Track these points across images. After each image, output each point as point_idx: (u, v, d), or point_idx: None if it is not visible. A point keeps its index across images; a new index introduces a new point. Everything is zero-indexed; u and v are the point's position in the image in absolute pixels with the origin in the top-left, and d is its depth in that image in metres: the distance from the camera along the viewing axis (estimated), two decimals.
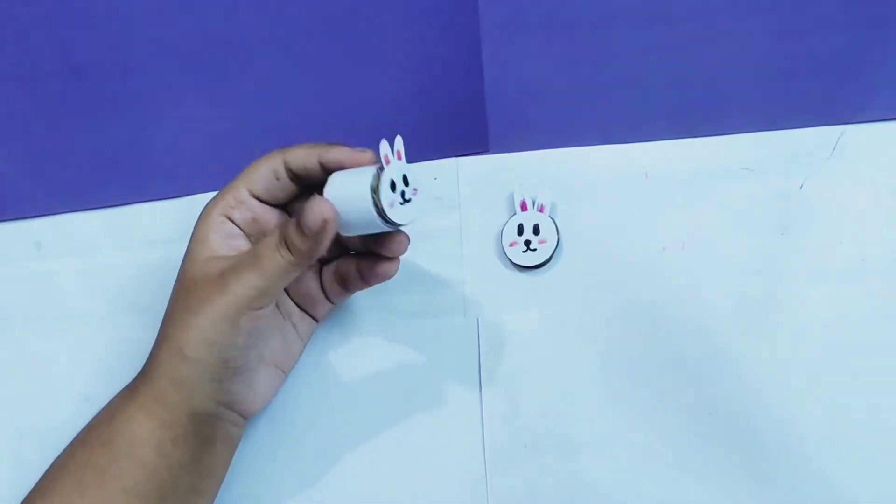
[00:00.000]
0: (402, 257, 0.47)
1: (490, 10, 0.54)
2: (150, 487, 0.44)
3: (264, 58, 0.55)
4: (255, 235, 0.46)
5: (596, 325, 0.51)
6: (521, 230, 0.52)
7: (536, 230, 0.52)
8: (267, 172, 0.46)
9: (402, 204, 0.43)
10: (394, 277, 0.47)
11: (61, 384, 0.54)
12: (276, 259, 0.42)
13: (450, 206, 0.54)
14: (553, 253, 0.52)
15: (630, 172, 0.53)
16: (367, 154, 0.44)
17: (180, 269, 0.46)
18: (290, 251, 0.42)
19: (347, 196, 0.43)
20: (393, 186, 0.43)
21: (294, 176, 0.46)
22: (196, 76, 0.55)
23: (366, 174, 0.42)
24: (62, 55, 0.56)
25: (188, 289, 0.44)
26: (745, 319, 0.51)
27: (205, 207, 0.46)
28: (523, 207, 0.52)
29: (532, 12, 0.54)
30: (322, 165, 0.44)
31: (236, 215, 0.46)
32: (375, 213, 0.42)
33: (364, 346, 0.53)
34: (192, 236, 0.46)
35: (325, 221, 0.41)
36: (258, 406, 0.48)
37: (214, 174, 0.55)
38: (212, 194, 0.55)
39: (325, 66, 0.55)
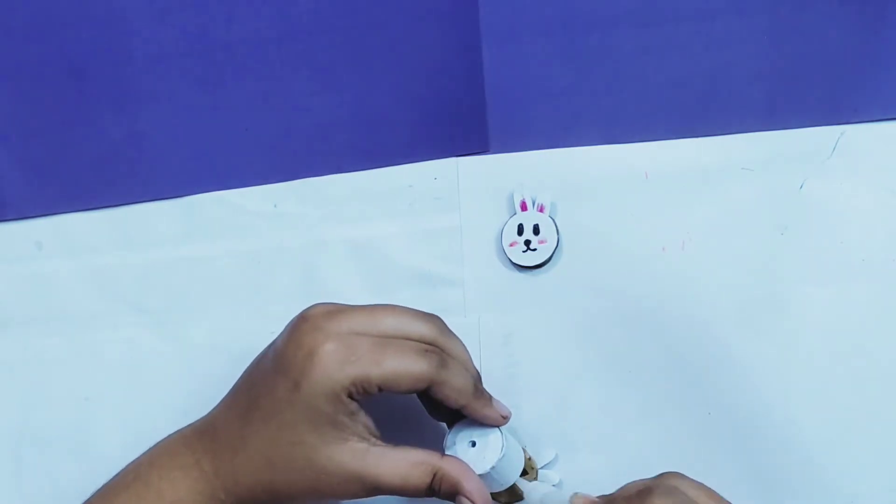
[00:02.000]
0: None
1: (490, 10, 0.54)
2: None
3: (264, 58, 0.55)
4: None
5: (596, 324, 0.51)
6: (521, 230, 0.52)
7: (536, 230, 0.52)
8: (407, 387, 0.44)
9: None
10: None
11: (61, 384, 0.54)
12: (418, 481, 0.44)
13: (450, 206, 0.54)
14: (553, 253, 0.52)
15: (630, 172, 0.53)
16: (507, 417, 0.46)
17: (294, 429, 0.44)
18: (430, 488, 0.44)
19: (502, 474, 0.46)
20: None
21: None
22: (196, 76, 0.55)
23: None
24: (62, 55, 0.55)
25: (315, 469, 0.43)
26: (745, 319, 0.51)
27: (327, 370, 0.43)
28: (523, 207, 0.52)
29: (532, 12, 0.54)
30: (465, 411, 0.45)
31: (356, 396, 0.43)
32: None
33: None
34: (310, 404, 0.43)
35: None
36: None
37: (214, 174, 0.55)
38: (212, 194, 0.55)
39: (325, 66, 0.55)
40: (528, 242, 0.52)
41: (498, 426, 0.46)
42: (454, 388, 0.44)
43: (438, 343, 0.45)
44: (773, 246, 0.52)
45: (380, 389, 0.43)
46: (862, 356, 0.50)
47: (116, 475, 0.47)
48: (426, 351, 0.44)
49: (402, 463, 0.44)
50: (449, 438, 0.46)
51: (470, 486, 0.44)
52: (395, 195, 0.54)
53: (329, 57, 0.55)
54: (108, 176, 0.55)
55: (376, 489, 0.44)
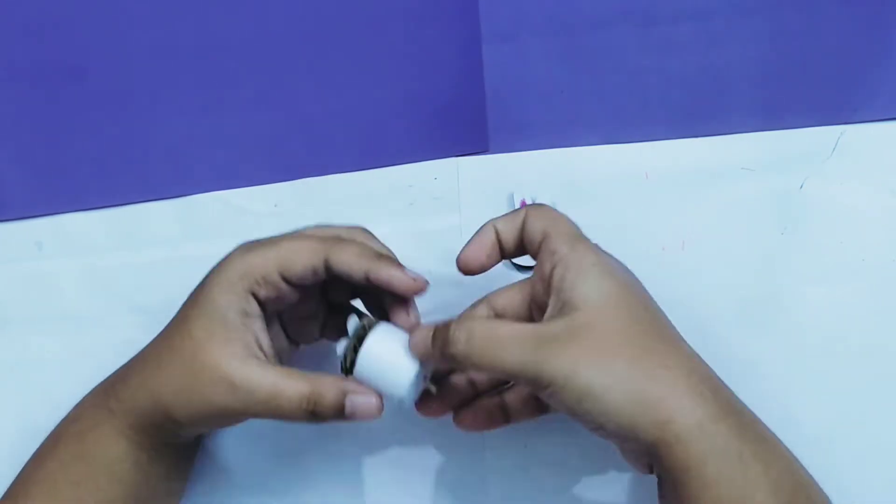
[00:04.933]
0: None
1: (490, 10, 0.54)
2: (129, 500, 0.45)
3: (264, 58, 0.55)
4: (272, 305, 0.45)
5: None
6: None
7: None
8: (306, 266, 0.43)
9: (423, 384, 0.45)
10: None
11: (61, 384, 0.54)
12: (294, 414, 0.42)
13: (450, 206, 0.54)
14: None
15: (630, 172, 0.53)
16: (419, 281, 0.44)
17: (188, 324, 0.44)
18: (314, 415, 0.42)
19: (380, 378, 0.44)
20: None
21: (333, 274, 0.44)
22: (196, 76, 0.55)
23: (401, 373, 0.43)
24: (62, 55, 0.55)
25: (193, 365, 0.43)
26: (745, 319, 0.51)
27: (228, 268, 0.44)
28: (523, 207, 0.52)
29: (532, 12, 0.54)
30: (370, 280, 0.43)
31: (261, 293, 0.44)
32: (391, 390, 0.44)
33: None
34: (209, 297, 0.44)
35: (372, 417, 0.43)
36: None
37: (214, 174, 0.55)
38: (212, 194, 0.55)
39: (325, 66, 0.55)
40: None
41: (409, 292, 0.44)
42: (352, 253, 0.43)
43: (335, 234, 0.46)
44: (773, 246, 0.52)
45: (283, 278, 0.43)
46: (862, 356, 0.50)
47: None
48: (329, 235, 0.45)
49: (278, 376, 0.43)
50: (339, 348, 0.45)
51: (355, 400, 0.43)
52: (395, 195, 0.54)
53: (329, 57, 0.55)
54: (108, 176, 0.55)
55: (246, 402, 0.42)
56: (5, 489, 0.52)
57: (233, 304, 0.43)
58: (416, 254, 0.52)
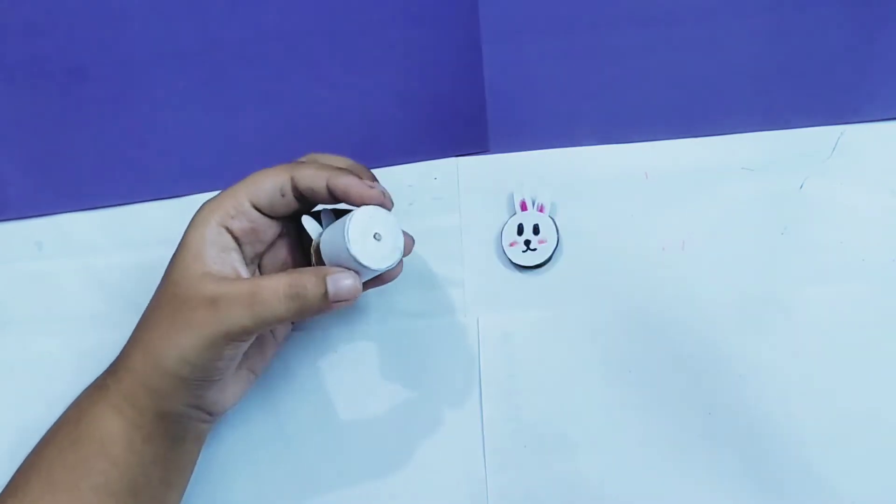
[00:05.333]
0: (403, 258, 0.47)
1: (490, 10, 0.54)
2: (122, 484, 0.45)
3: (264, 57, 0.55)
4: (249, 245, 0.46)
5: (596, 324, 0.51)
6: (521, 230, 0.52)
7: (536, 230, 0.52)
8: (272, 187, 0.44)
9: (375, 246, 0.43)
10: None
11: (61, 384, 0.54)
12: (278, 308, 0.42)
13: (450, 206, 0.54)
14: (553, 253, 0.52)
15: (630, 172, 0.53)
16: (375, 189, 0.44)
17: (168, 275, 0.45)
18: (297, 306, 0.42)
19: (335, 249, 0.43)
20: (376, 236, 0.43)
21: (299, 194, 0.45)
22: (196, 76, 0.55)
23: (340, 226, 0.43)
24: (62, 55, 0.56)
25: (175, 303, 0.44)
26: (745, 319, 0.51)
27: (200, 210, 0.45)
28: (523, 207, 0.52)
29: (532, 12, 0.54)
30: (329, 190, 0.44)
31: (234, 225, 0.45)
32: (353, 262, 0.43)
33: (364, 345, 0.53)
34: (184, 240, 0.45)
35: (354, 297, 0.42)
36: (228, 405, 0.48)
37: (214, 174, 0.55)
38: (212, 194, 0.55)
39: (324, 66, 0.55)
40: (528, 242, 0.52)
41: (367, 200, 0.44)
42: (313, 168, 0.44)
43: None
44: (773, 246, 0.52)
45: (254, 207, 0.44)
46: (862, 356, 0.50)
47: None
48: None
49: (253, 279, 0.43)
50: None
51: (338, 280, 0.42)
52: (394, 195, 0.54)
53: (329, 57, 0.55)
54: (108, 176, 0.55)
55: (228, 310, 0.42)
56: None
57: (206, 238, 0.44)
58: (415, 253, 0.52)
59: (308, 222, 0.46)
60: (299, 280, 0.42)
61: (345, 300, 0.42)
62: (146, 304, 0.54)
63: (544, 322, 0.52)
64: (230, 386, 0.47)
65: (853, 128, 0.52)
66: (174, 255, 0.45)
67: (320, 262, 0.45)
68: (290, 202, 0.45)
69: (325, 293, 0.42)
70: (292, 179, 0.44)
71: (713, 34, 0.53)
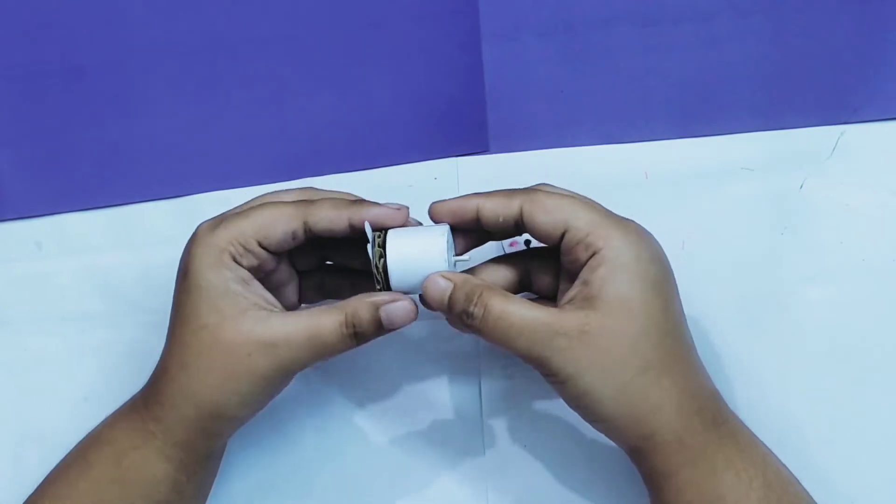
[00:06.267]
0: None
1: (490, 10, 0.54)
2: None
3: (264, 58, 0.55)
4: (256, 277, 0.45)
5: None
6: None
7: None
8: (284, 233, 0.43)
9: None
10: None
11: (61, 384, 0.54)
12: (339, 345, 0.43)
13: None
14: None
15: (630, 172, 0.53)
16: (404, 211, 0.44)
17: (195, 317, 0.43)
18: (356, 334, 0.43)
19: (413, 258, 0.43)
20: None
21: (312, 235, 0.44)
22: (196, 76, 0.55)
23: (434, 237, 0.43)
24: (62, 55, 0.55)
25: (223, 348, 0.42)
26: (745, 319, 0.51)
27: (206, 245, 0.43)
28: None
29: (532, 12, 0.54)
30: (352, 226, 0.44)
31: (244, 262, 0.44)
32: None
33: (363, 346, 0.53)
34: (200, 280, 0.43)
35: (411, 321, 0.43)
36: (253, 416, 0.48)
37: (214, 174, 0.55)
38: (212, 194, 0.55)
39: (325, 66, 0.55)
40: (528, 242, 0.52)
41: (398, 222, 0.44)
42: (328, 208, 0.44)
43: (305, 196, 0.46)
44: (773, 246, 0.52)
45: (261, 246, 0.43)
46: (862, 356, 0.50)
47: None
48: (292, 200, 0.45)
49: (308, 316, 0.43)
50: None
51: (392, 306, 0.43)
52: (395, 195, 0.54)
53: (329, 57, 0.55)
54: (108, 176, 0.55)
55: (289, 352, 0.42)
56: (5, 492, 0.52)
57: (227, 276, 0.43)
58: None
59: (368, 230, 0.44)
60: (353, 312, 0.43)
61: (400, 326, 0.43)
62: (146, 305, 0.54)
63: None
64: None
65: (853, 128, 0.52)
66: (189, 294, 0.43)
67: (385, 280, 0.44)
68: (300, 242, 0.45)
69: (380, 322, 0.43)
70: (306, 224, 0.44)
71: (713, 34, 0.53)
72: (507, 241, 0.52)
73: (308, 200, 0.45)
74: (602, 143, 0.53)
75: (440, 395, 0.52)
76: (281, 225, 0.43)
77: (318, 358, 0.43)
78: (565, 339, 0.41)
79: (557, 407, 0.51)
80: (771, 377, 0.50)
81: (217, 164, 0.55)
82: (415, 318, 0.43)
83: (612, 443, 0.45)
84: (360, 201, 0.45)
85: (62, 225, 0.55)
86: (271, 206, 0.44)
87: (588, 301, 0.42)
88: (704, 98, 0.53)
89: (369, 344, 0.44)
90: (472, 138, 0.54)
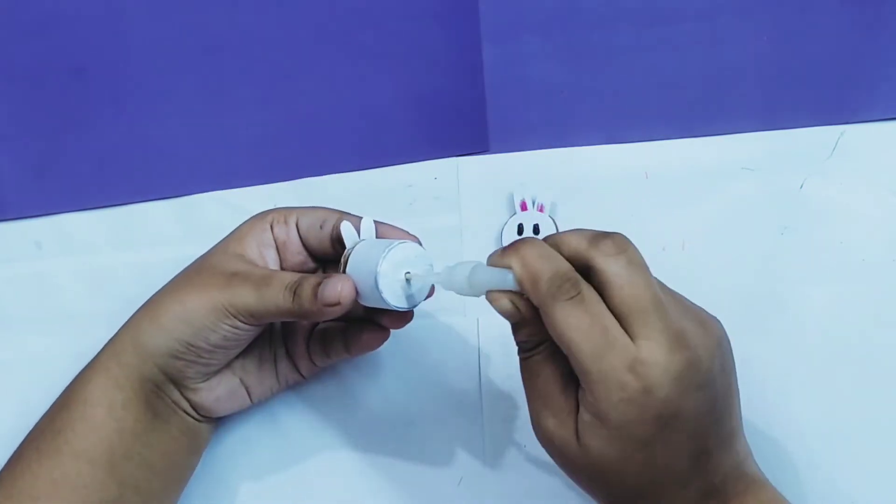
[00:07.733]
0: None
1: (490, 10, 0.54)
2: (100, 451, 0.45)
3: (264, 58, 0.55)
4: (281, 254, 0.47)
5: None
6: (521, 230, 0.52)
7: (536, 230, 0.52)
8: (318, 217, 0.46)
9: (405, 287, 0.43)
10: None
11: (61, 384, 0.53)
12: (277, 297, 0.43)
13: (450, 206, 0.54)
14: None
15: (630, 172, 0.53)
16: (412, 235, 0.46)
17: (208, 251, 0.47)
18: (293, 301, 0.43)
19: (361, 270, 0.43)
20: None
21: (336, 237, 0.46)
22: (196, 76, 0.55)
23: (378, 250, 0.43)
24: (62, 55, 0.55)
25: (198, 270, 0.46)
26: (745, 319, 0.51)
27: (256, 214, 0.48)
28: (523, 207, 0.52)
29: (532, 12, 0.54)
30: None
31: (276, 230, 0.47)
32: (378, 295, 0.42)
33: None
34: (236, 229, 0.47)
35: (338, 302, 0.42)
36: (214, 408, 0.48)
37: (214, 174, 0.55)
38: (212, 194, 0.55)
39: (325, 66, 0.55)
40: (536, 228, 0.52)
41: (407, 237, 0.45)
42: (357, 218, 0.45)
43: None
44: (773, 246, 0.52)
45: (296, 227, 0.47)
46: (862, 356, 0.50)
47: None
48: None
49: (270, 270, 0.46)
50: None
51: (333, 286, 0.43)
52: (395, 195, 0.54)
53: (329, 57, 0.55)
54: (108, 176, 0.55)
55: (241, 287, 0.43)
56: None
57: (254, 228, 0.47)
58: None
59: (346, 229, 0.45)
60: (304, 278, 0.43)
61: (333, 304, 0.42)
62: None
63: None
64: (216, 384, 0.47)
65: (853, 128, 0.52)
66: (219, 242, 0.47)
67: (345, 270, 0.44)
68: (324, 239, 0.46)
69: (315, 294, 0.43)
70: (338, 220, 0.46)
71: (713, 34, 0.53)
72: (507, 242, 0.52)
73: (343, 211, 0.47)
74: (602, 143, 0.53)
75: (440, 394, 0.52)
76: (321, 211, 0.46)
77: (262, 305, 0.43)
78: (585, 457, 0.40)
79: None
80: (771, 377, 0.50)
81: (217, 164, 0.55)
82: (345, 305, 0.42)
83: None
84: (389, 225, 0.46)
85: (62, 225, 0.55)
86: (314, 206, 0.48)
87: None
88: (704, 98, 0.53)
89: None
90: (472, 138, 0.54)
